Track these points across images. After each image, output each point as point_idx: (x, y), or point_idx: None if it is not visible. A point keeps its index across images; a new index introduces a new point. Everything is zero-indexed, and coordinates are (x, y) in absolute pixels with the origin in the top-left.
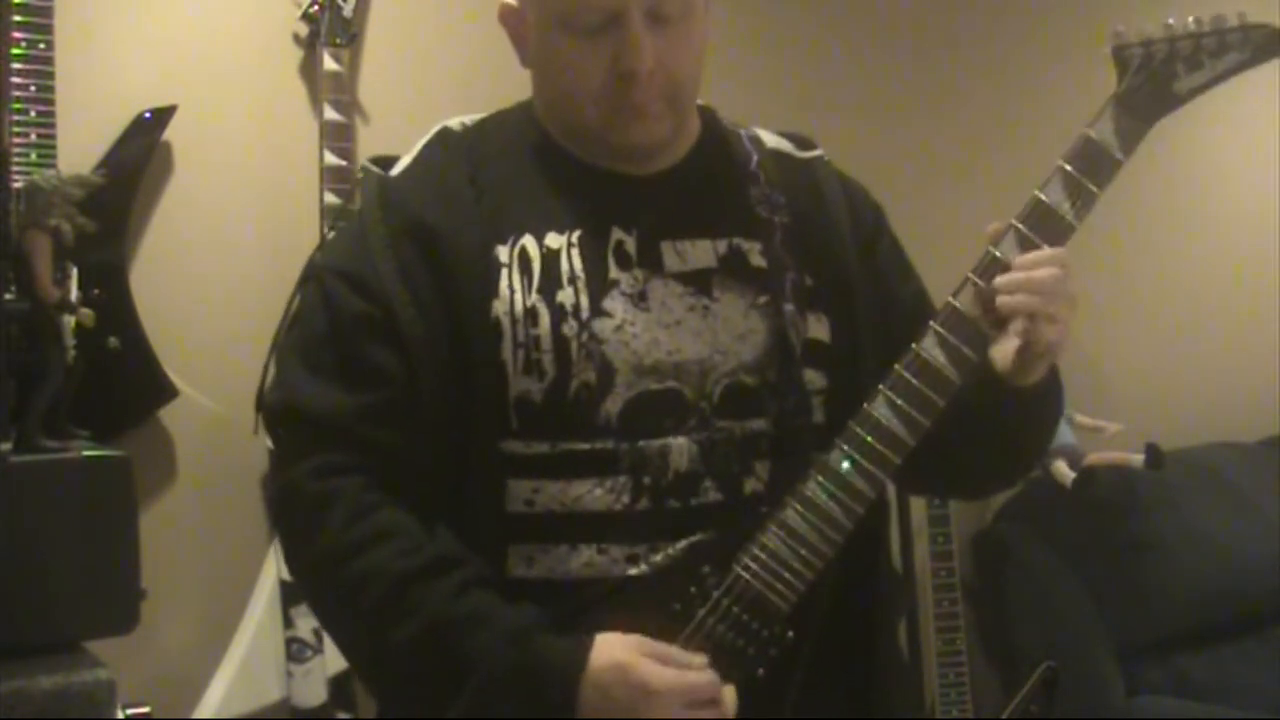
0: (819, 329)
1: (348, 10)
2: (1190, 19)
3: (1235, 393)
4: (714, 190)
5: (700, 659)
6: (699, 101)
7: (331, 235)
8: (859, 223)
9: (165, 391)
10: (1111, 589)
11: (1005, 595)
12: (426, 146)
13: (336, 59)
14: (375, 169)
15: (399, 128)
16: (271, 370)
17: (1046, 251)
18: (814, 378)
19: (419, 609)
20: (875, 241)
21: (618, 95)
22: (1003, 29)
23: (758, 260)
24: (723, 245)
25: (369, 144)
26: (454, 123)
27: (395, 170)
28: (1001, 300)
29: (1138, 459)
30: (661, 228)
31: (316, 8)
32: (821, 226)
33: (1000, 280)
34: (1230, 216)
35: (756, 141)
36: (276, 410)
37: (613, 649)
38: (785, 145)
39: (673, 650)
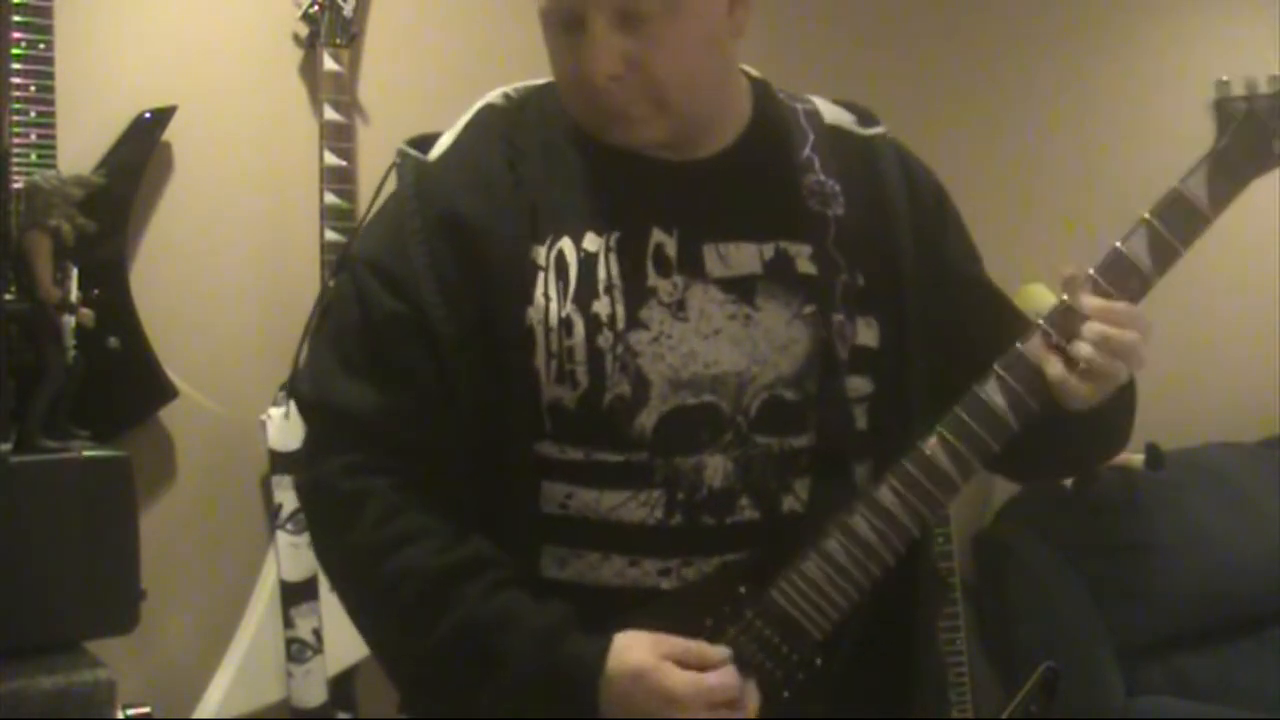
0: (868, 334)
1: (348, 10)
2: None
3: (1235, 393)
4: (763, 183)
5: (721, 652)
6: (752, 72)
7: (370, 218)
8: (920, 209)
9: (165, 391)
10: (1111, 589)
11: (1005, 595)
12: (467, 128)
13: (336, 59)
14: (413, 153)
15: (399, 128)
16: (304, 357)
17: (1131, 310)
18: (860, 384)
19: (452, 608)
20: (940, 228)
21: (591, 97)
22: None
23: (806, 266)
24: (769, 249)
25: (369, 144)
26: (497, 97)
27: (434, 154)
28: (1080, 350)
29: (1138, 459)
30: (704, 227)
31: (316, 8)
32: (878, 216)
33: (1088, 330)
34: (1229, 216)
35: (814, 117)
36: (308, 402)
37: (632, 653)
38: (845, 120)
39: (692, 648)
